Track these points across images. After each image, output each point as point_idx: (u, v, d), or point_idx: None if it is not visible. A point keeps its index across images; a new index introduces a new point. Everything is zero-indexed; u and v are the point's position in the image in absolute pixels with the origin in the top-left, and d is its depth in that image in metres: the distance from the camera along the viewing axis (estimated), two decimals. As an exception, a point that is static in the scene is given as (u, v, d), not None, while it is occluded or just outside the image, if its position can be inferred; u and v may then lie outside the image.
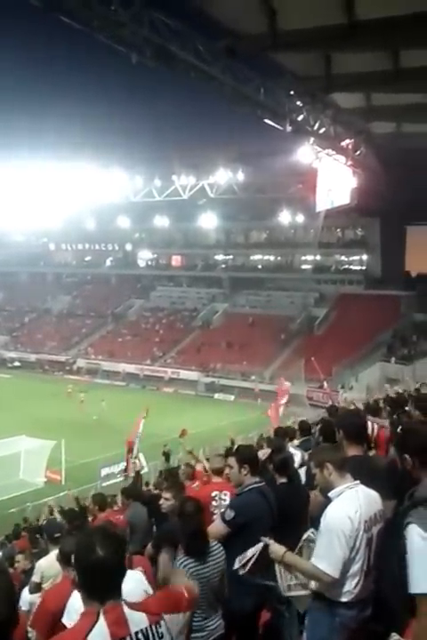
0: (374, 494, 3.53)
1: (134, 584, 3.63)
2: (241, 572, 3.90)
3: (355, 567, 3.31)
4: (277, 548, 3.66)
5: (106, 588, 2.21)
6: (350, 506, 3.36)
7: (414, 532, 2.34)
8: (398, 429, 3.01)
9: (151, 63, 17.30)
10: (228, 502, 5.46)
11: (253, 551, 3.84)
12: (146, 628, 2.23)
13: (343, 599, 3.32)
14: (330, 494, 3.49)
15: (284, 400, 22.50)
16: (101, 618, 2.15)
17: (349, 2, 14.98)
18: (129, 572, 3.72)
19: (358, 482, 3.53)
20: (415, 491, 2.56)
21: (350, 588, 3.32)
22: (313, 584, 3.43)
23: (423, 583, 2.29)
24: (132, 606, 2.25)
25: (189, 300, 61.92)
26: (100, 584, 2.20)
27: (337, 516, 3.32)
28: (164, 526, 5.15)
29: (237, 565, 3.90)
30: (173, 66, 17.74)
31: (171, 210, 55.15)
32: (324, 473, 3.55)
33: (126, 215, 59.79)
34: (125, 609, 2.22)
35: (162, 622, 2.29)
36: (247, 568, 3.85)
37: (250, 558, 3.82)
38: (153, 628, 2.25)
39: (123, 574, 2.27)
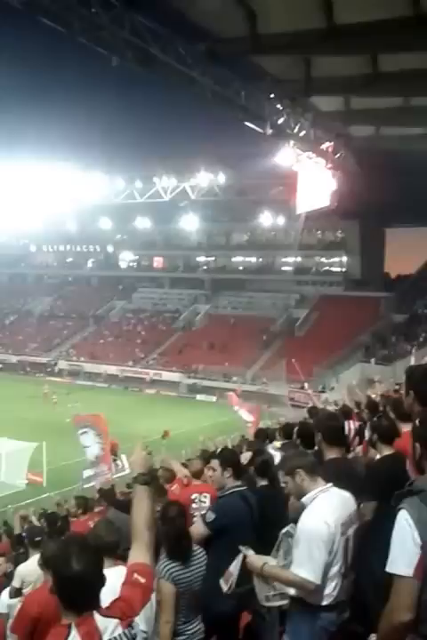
0: (347, 495, 3.55)
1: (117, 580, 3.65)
2: (226, 590, 3.91)
3: (333, 570, 3.34)
4: (255, 560, 3.64)
5: (82, 601, 2.18)
6: (325, 510, 3.37)
7: (402, 517, 2.37)
8: (417, 420, 2.97)
9: (132, 66, 17.31)
10: (207, 504, 5.49)
11: (235, 566, 3.85)
12: (119, 635, 2.21)
13: (324, 602, 3.33)
14: (304, 500, 3.48)
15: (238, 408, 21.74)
16: (74, 631, 2.12)
17: (328, 6, 15.13)
18: (122, 569, 3.74)
19: (330, 484, 3.53)
20: (415, 480, 2.56)
21: (330, 591, 3.34)
22: (292, 590, 3.43)
23: (396, 565, 2.35)
24: (105, 613, 2.22)
25: (171, 301, 61.83)
26: (76, 597, 2.17)
27: (313, 521, 3.33)
28: None
29: (223, 586, 3.91)
30: (153, 68, 17.75)
31: (152, 211, 55.01)
32: (296, 479, 3.53)
33: (108, 217, 59.55)
34: (98, 618, 2.18)
35: (133, 624, 2.27)
36: (232, 585, 3.88)
37: (234, 575, 3.84)
38: (126, 632, 2.23)
39: (101, 586, 2.23)
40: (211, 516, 4.36)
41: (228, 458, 4.76)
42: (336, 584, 3.35)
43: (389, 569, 2.38)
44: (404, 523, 2.37)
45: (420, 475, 2.72)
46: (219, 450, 6.40)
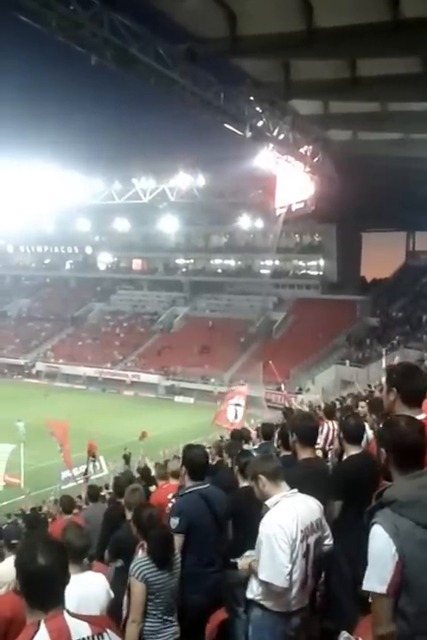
0: (311, 503, 3.52)
1: (99, 588, 3.64)
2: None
3: (293, 577, 3.30)
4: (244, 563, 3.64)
5: (48, 597, 2.17)
6: (286, 514, 3.34)
7: (377, 533, 2.34)
8: (381, 424, 2.83)
9: (111, 65, 17.23)
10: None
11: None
12: (88, 637, 2.20)
13: (282, 610, 3.32)
14: (267, 503, 3.47)
15: (234, 400, 22.04)
16: (43, 627, 2.12)
17: (308, 9, 15.23)
18: (92, 575, 3.74)
19: (295, 490, 3.49)
20: (384, 490, 2.47)
21: (289, 599, 3.31)
22: (250, 593, 3.43)
23: (370, 582, 2.35)
24: (75, 615, 2.22)
25: (150, 303, 61.62)
26: (41, 593, 2.16)
27: (271, 525, 3.31)
28: (120, 533, 5.13)
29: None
30: (133, 68, 17.71)
31: (131, 213, 54.75)
32: (258, 485, 3.53)
33: (86, 218, 59.08)
34: (67, 617, 2.18)
35: (105, 634, 2.25)
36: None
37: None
38: (95, 637, 2.22)
39: (65, 582, 2.23)
40: (175, 522, 4.36)
41: (185, 457, 4.79)
42: (295, 592, 3.32)
43: (364, 586, 2.38)
44: (380, 538, 2.33)
45: (386, 481, 2.68)
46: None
